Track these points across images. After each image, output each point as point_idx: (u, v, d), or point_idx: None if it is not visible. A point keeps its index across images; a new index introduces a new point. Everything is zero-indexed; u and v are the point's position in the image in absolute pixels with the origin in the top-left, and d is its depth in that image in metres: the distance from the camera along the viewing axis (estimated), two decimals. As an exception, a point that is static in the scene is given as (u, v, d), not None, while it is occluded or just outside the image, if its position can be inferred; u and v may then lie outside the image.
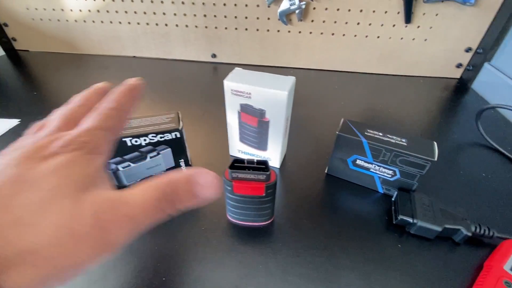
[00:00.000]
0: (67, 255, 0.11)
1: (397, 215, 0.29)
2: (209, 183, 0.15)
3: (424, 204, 0.29)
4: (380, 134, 0.31)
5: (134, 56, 0.71)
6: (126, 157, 0.30)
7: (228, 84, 0.30)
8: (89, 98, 0.17)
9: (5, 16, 0.68)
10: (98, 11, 0.64)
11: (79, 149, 0.13)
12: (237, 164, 0.25)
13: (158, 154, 0.31)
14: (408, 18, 0.55)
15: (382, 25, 0.57)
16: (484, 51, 0.57)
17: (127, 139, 0.28)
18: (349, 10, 0.56)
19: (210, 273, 0.25)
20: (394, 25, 0.57)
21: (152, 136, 0.29)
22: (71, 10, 0.65)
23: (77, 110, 0.16)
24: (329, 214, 0.31)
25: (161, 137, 0.29)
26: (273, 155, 0.35)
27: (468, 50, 0.58)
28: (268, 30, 0.62)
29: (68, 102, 0.17)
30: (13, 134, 0.42)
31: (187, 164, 0.34)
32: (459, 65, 0.61)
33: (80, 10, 0.65)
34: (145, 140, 0.29)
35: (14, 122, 0.44)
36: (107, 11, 0.64)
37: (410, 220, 0.28)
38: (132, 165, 0.30)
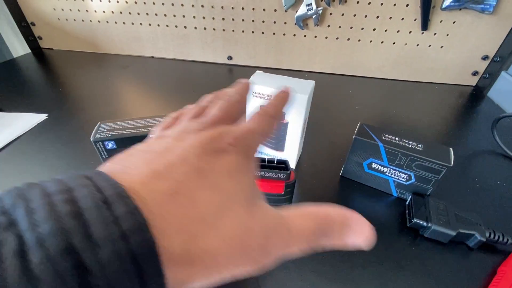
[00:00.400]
0: (231, 264, 0.11)
1: (411, 218, 0.29)
2: (363, 234, 0.14)
3: (438, 208, 0.29)
4: (397, 138, 0.31)
5: (153, 57, 0.73)
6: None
7: (250, 86, 0.32)
8: (243, 95, 0.18)
9: (33, 16, 0.72)
10: (120, 12, 0.67)
11: (242, 152, 0.14)
12: (259, 162, 0.26)
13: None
14: (425, 25, 0.55)
15: (398, 31, 0.58)
16: (501, 60, 0.57)
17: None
18: (366, 16, 0.57)
19: (230, 265, 0.26)
20: (410, 32, 0.57)
21: (177, 134, 0.30)
22: (95, 11, 0.68)
23: (235, 106, 0.17)
24: (344, 215, 0.32)
25: (184, 135, 0.31)
26: (290, 156, 0.36)
27: (485, 58, 0.58)
28: (284, 34, 0.63)
29: (219, 93, 0.19)
30: (41, 129, 0.45)
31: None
32: (475, 73, 0.61)
33: (104, 12, 0.67)
34: (170, 137, 0.30)
35: (42, 116, 0.47)
36: (129, 13, 0.67)
37: (424, 223, 0.28)
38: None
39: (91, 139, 0.29)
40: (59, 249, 0.08)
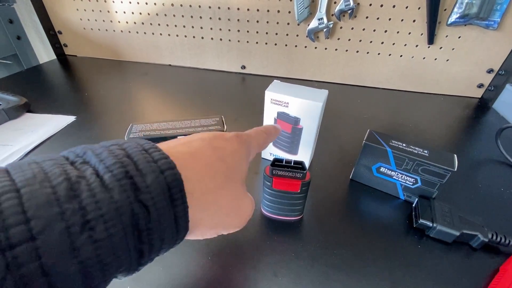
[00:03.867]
0: (228, 217, 0.18)
1: (417, 219, 0.31)
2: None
3: (443, 210, 0.31)
4: (404, 144, 0.34)
5: (170, 65, 0.77)
6: (177, 152, 0.34)
7: (269, 94, 0.35)
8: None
9: (60, 25, 0.77)
10: (142, 23, 0.71)
11: (243, 144, 0.20)
12: (277, 162, 0.29)
13: (204, 151, 0.35)
14: (431, 40, 0.58)
15: (405, 45, 0.61)
16: (506, 73, 0.59)
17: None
18: (374, 30, 0.60)
19: (249, 255, 0.28)
20: (417, 46, 0.60)
21: (201, 136, 0.33)
22: (119, 21, 0.72)
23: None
24: (353, 215, 0.34)
25: (208, 137, 0.34)
26: (303, 159, 0.39)
27: (490, 71, 0.61)
28: (296, 46, 0.66)
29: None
30: (71, 129, 0.48)
31: (225, 162, 0.38)
32: (480, 85, 0.63)
33: (127, 22, 0.72)
34: (195, 138, 0.33)
35: (71, 118, 0.50)
36: (150, 24, 0.71)
37: (430, 224, 0.30)
38: (181, 160, 0.35)
39: (125, 138, 0.32)
40: (120, 173, 0.12)
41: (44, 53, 0.93)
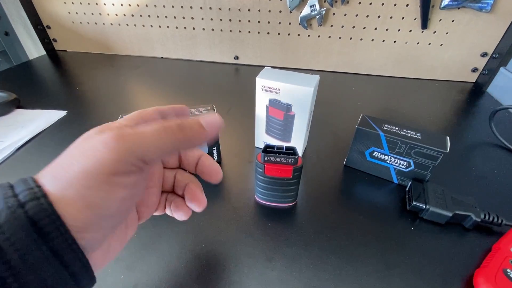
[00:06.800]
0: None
1: (410, 202, 0.31)
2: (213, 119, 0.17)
3: (436, 192, 0.32)
4: (396, 128, 0.33)
5: (162, 57, 0.76)
6: (169, 142, 0.34)
7: (260, 80, 0.34)
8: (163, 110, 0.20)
9: (49, 19, 0.75)
10: (132, 15, 0.70)
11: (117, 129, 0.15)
12: (269, 149, 0.29)
13: (196, 141, 0.35)
14: (424, 24, 0.57)
15: (399, 30, 0.60)
16: (500, 56, 0.59)
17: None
18: (367, 16, 0.59)
19: (243, 242, 0.28)
20: (410, 31, 0.60)
21: (192, 125, 0.33)
22: (108, 14, 0.71)
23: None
24: (347, 200, 0.34)
25: (199, 126, 0.33)
26: (296, 146, 0.38)
27: (483, 55, 0.60)
28: (289, 34, 0.66)
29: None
30: (62, 124, 0.48)
31: (219, 152, 0.38)
32: (474, 70, 0.63)
33: (116, 15, 0.71)
34: (186, 128, 0.33)
35: (62, 113, 0.50)
36: (140, 16, 0.70)
37: (423, 206, 0.30)
38: (173, 150, 0.34)
39: (115, 129, 0.31)
40: None
41: (34, 49, 0.91)
